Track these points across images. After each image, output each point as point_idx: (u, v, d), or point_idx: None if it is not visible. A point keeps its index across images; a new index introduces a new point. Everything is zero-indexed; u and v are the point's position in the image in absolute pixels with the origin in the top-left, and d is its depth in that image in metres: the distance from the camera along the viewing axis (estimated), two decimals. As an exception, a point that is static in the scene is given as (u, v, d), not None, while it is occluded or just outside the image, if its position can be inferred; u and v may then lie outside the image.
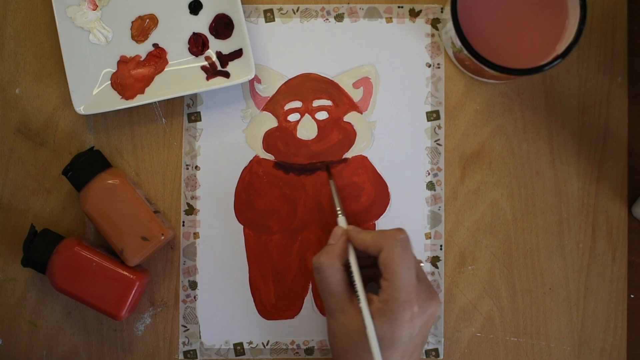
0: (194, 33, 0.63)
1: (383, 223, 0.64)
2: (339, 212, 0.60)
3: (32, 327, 0.64)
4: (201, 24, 0.63)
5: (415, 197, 0.64)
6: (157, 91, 0.62)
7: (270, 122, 0.64)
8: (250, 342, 0.64)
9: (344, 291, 0.56)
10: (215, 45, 0.63)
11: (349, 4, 0.65)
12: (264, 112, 0.64)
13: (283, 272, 0.64)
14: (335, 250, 0.57)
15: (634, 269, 0.64)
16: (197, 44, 0.63)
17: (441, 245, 0.64)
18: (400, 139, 0.64)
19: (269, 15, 0.65)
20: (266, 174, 0.64)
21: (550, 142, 0.64)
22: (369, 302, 0.55)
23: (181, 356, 0.64)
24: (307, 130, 0.64)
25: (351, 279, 0.57)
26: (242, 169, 0.64)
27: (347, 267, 0.57)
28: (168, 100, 0.64)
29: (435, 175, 0.64)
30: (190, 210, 0.64)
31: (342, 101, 0.64)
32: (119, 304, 0.59)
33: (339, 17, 0.65)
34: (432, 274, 0.64)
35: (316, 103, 0.64)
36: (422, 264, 0.57)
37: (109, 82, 0.63)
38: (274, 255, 0.64)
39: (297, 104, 0.64)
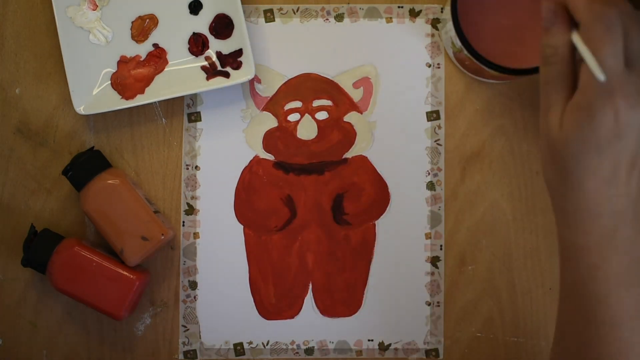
0: (194, 33, 0.63)
1: (383, 223, 0.64)
2: None
3: (32, 327, 0.64)
4: (201, 24, 0.63)
5: (415, 197, 0.64)
6: (157, 91, 0.62)
7: (270, 122, 0.64)
8: (250, 342, 0.64)
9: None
10: (215, 45, 0.63)
11: (349, 4, 0.65)
12: (264, 112, 0.64)
13: (283, 272, 0.64)
14: (566, 27, 0.44)
15: None
16: (197, 44, 0.63)
17: (441, 245, 0.64)
18: (400, 139, 0.64)
19: (269, 15, 0.65)
20: (266, 174, 0.64)
21: (550, 142, 0.64)
22: (568, 97, 0.44)
23: (181, 356, 0.64)
24: (307, 130, 0.64)
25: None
26: (242, 169, 0.64)
27: None
28: (168, 100, 0.64)
29: (435, 175, 0.64)
30: (190, 210, 0.64)
31: (342, 101, 0.64)
32: (119, 304, 0.59)
33: (339, 17, 0.65)
34: (432, 274, 0.64)
35: (316, 103, 0.64)
36: None
37: (109, 82, 0.63)
38: (274, 255, 0.64)
39: (297, 104, 0.64)
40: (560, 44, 0.45)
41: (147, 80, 0.63)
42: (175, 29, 0.63)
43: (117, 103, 0.62)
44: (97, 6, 0.63)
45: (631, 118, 0.42)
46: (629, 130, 0.42)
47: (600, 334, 0.47)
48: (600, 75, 0.41)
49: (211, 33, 0.63)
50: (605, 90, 0.42)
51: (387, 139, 0.64)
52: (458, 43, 0.57)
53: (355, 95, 0.64)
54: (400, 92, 0.64)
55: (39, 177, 0.64)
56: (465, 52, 0.57)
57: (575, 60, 0.45)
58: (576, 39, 0.43)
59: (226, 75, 0.63)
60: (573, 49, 0.45)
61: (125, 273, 0.60)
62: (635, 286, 0.46)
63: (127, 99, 0.62)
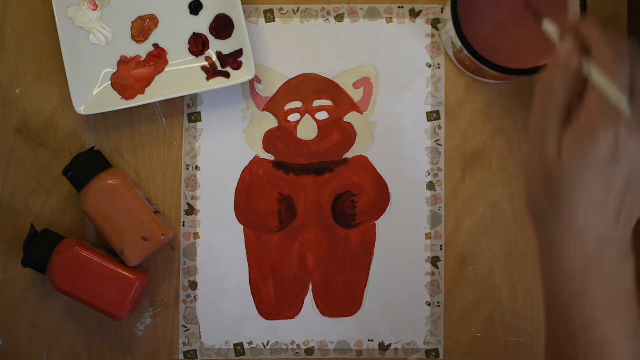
0: (194, 33, 0.63)
1: (383, 223, 0.64)
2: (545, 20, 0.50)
3: (32, 327, 0.64)
4: (201, 24, 0.63)
5: (415, 197, 0.64)
6: (157, 91, 0.62)
7: (270, 122, 0.64)
8: (250, 342, 0.64)
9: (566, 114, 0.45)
10: (215, 45, 0.63)
11: (349, 4, 0.65)
12: (264, 112, 0.64)
13: (283, 272, 0.64)
14: (578, 54, 0.44)
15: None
16: (197, 44, 0.63)
17: (441, 246, 0.64)
18: (400, 139, 0.64)
19: (269, 15, 0.65)
20: (266, 174, 0.64)
21: (550, 142, 0.64)
22: (569, 124, 0.44)
23: (181, 356, 0.64)
24: (307, 130, 0.64)
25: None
26: (242, 169, 0.64)
27: None
28: (168, 100, 0.64)
29: (435, 175, 0.64)
30: (190, 210, 0.64)
31: (342, 101, 0.64)
32: (119, 304, 0.59)
33: (339, 17, 0.65)
34: (432, 274, 0.64)
35: (316, 103, 0.64)
36: None
37: (109, 82, 0.63)
38: (274, 255, 0.64)
39: (297, 104, 0.64)
40: (568, 75, 0.45)
41: (147, 80, 0.63)
42: (175, 29, 0.63)
43: (117, 103, 0.62)
44: (97, 6, 0.63)
45: (629, 144, 0.43)
46: (625, 156, 0.43)
47: (590, 356, 0.47)
48: (626, 108, 0.41)
49: (211, 33, 0.63)
50: (610, 115, 0.42)
51: (387, 139, 0.64)
52: (458, 43, 0.57)
53: (355, 95, 0.64)
54: (400, 92, 0.64)
55: (39, 177, 0.64)
56: (465, 52, 0.57)
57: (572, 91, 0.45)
58: (593, 68, 0.44)
59: (226, 75, 0.63)
60: (578, 79, 0.45)
61: (125, 273, 0.60)
62: (621, 308, 0.46)
63: (127, 99, 0.62)
